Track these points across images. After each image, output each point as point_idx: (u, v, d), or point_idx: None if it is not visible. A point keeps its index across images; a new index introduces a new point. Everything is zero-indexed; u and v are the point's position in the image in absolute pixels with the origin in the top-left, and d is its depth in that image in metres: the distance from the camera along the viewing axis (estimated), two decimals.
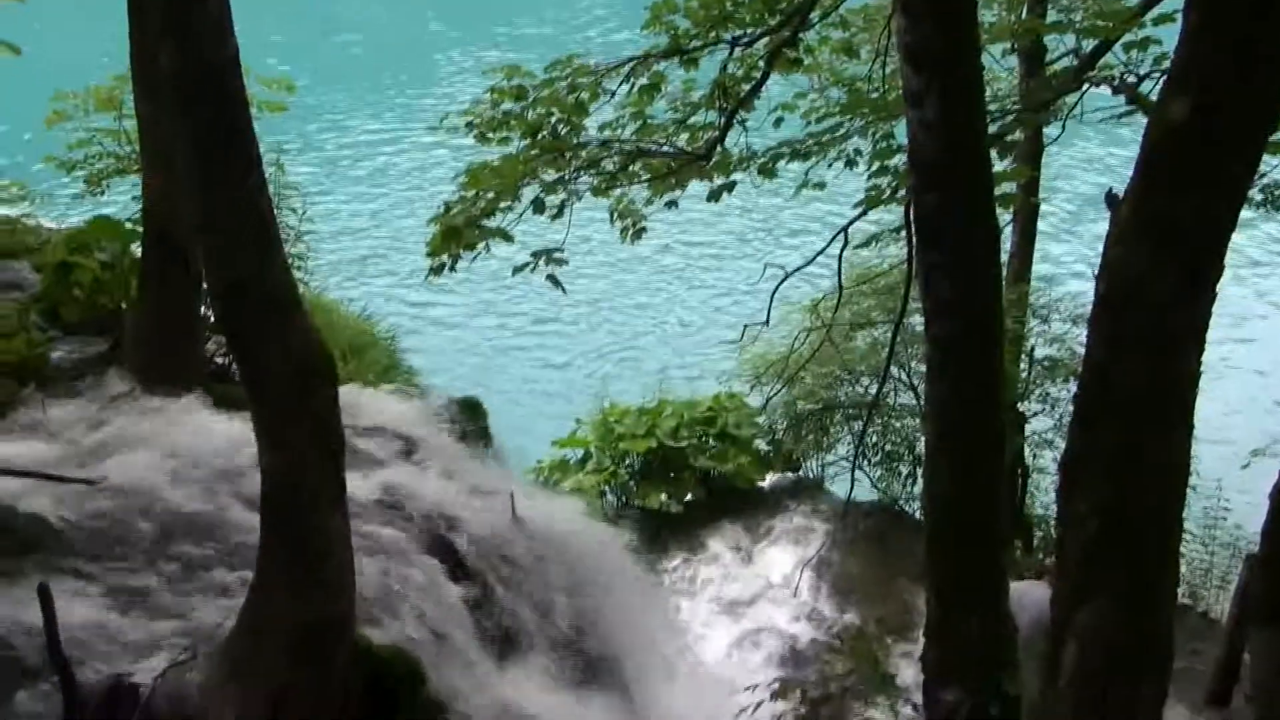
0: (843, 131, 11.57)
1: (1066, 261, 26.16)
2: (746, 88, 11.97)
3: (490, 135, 11.96)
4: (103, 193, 17.79)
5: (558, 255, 10.59)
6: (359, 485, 9.23)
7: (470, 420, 13.03)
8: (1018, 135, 12.76)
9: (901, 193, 11.16)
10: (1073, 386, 14.67)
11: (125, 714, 7.74)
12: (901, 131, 9.14)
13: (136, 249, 12.88)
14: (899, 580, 16.01)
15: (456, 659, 9.46)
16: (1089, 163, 32.52)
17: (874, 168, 11.39)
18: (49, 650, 7.84)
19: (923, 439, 17.40)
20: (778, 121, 12.29)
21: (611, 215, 12.05)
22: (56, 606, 7.78)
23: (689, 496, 17.78)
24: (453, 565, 10.33)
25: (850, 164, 11.92)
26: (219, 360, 12.59)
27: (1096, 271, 6.08)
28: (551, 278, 10.54)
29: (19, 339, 12.08)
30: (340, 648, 7.94)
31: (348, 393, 9.51)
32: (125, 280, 12.74)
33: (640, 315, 27.61)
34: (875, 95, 12.48)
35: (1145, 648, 6.38)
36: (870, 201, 11.51)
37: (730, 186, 11.52)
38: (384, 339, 17.28)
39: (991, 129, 9.93)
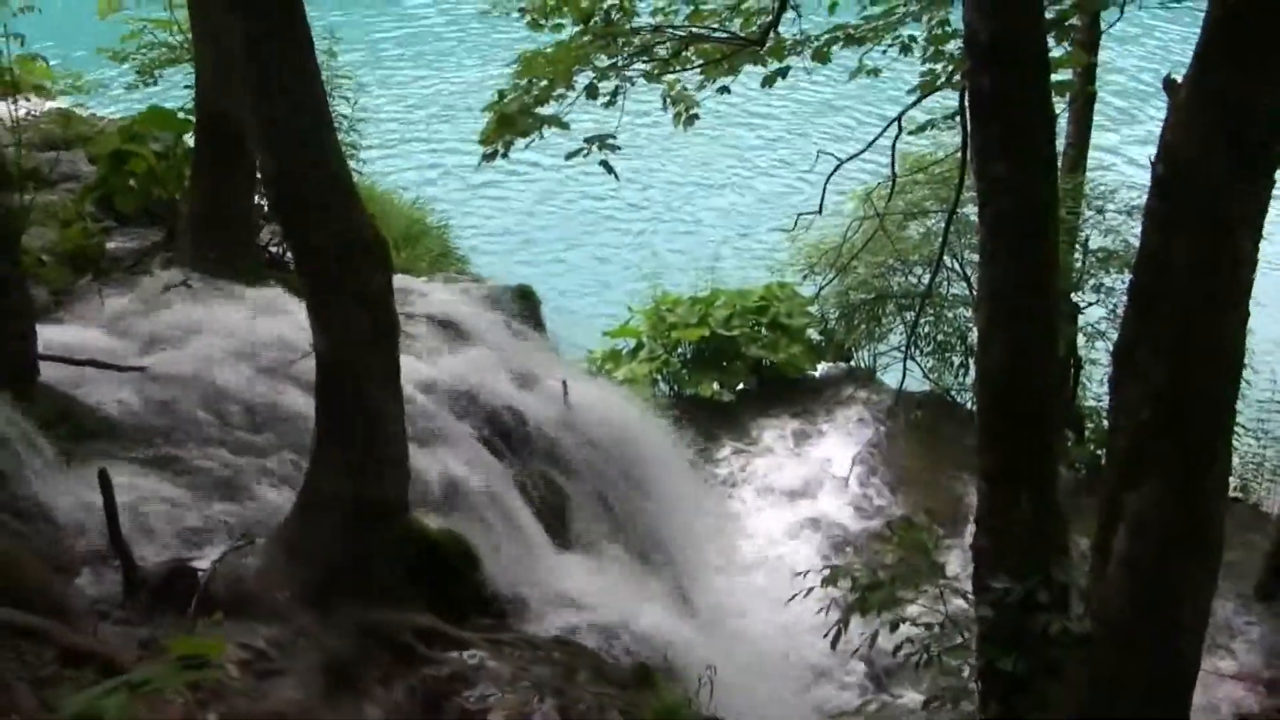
0: (898, 16, 11.45)
1: (1124, 151, 25.77)
2: None
3: (543, 21, 11.91)
4: (155, 83, 17.81)
5: (610, 141, 10.56)
6: (412, 371, 9.28)
7: (523, 308, 13.07)
8: (1075, 20, 12.57)
9: (956, 79, 11.06)
10: (1127, 277, 14.54)
11: (183, 596, 7.85)
12: (956, 17, 9.04)
13: (189, 138, 12.93)
14: (949, 471, 16.02)
15: (510, 543, 9.56)
16: (1148, 55, 32.02)
17: (929, 53, 11.28)
18: (109, 534, 7.96)
19: (975, 329, 17.46)
20: (832, 6, 12.17)
21: (664, 101, 11.98)
22: (116, 491, 7.90)
23: (740, 385, 17.79)
24: (506, 451, 10.42)
25: (905, 49, 11.79)
26: (273, 248, 12.65)
27: (1152, 158, 6.04)
28: (604, 163, 10.52)
29: (75, 228, 12.17)
30: (394, 527, 8.04)
31: (401, 280, 9.54)
32: (179, 170, 12.80)
33: (692, 204, 27.42)
34: None
35: (1195, 531, 6.39)
36: (925, 87, 11.42)
37: (784, 72, 11.44)
38: (437, 228, 17.33)
39: (1049, 14, 9.79)
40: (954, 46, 11.15)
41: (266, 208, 12.39)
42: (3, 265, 9.01)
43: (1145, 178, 6.21)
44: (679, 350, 17.79)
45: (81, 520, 8.43)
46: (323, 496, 7.92)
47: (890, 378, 17.89)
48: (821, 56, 11.57)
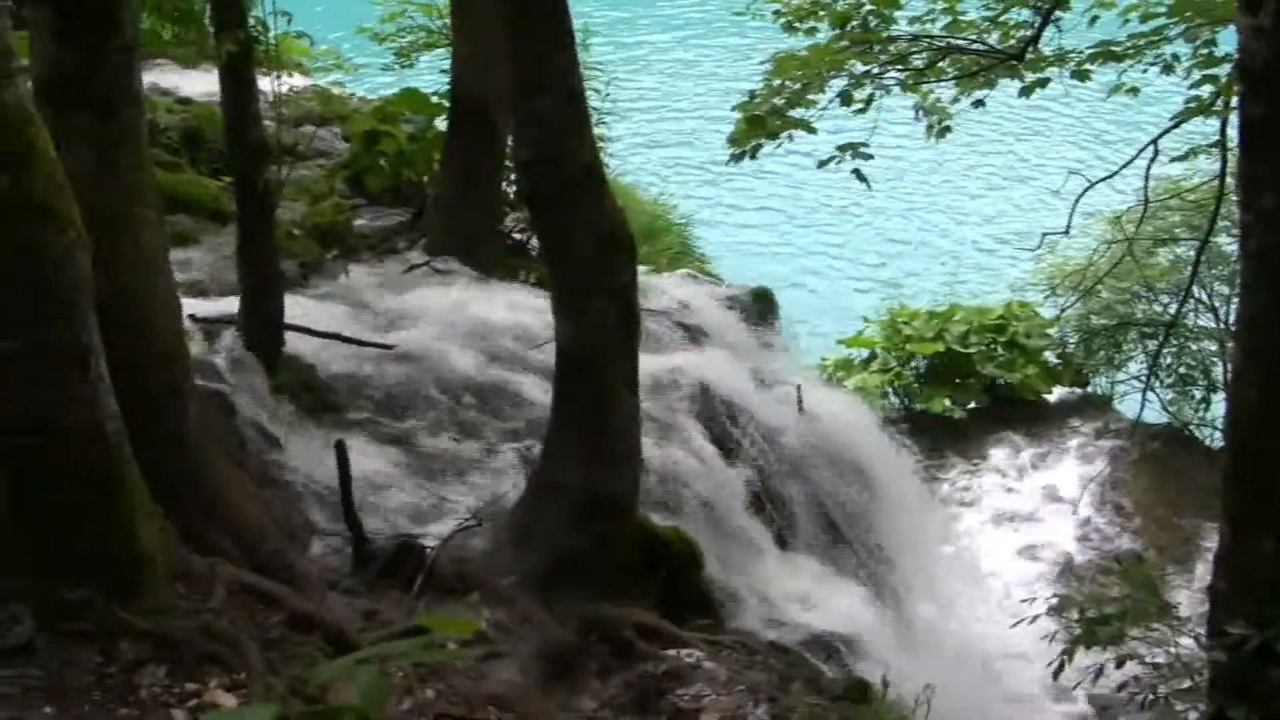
0: (1163, 35, 11.12)
1: None
2: None
3: (797, 24, 11.84)
4: (411, 65, 18.16)
5: (863, 149, 10.46)
6: (649, 366, 9.32)
7: (761, 311, 13.01)
8: None
9: (1218, 105, 10.71)
10: None
11: (411, 572, 7.99)
12: (1225, 39, 8.73)
13: (440, 122, 13.14)
14: (1184, 507, 15.58)
15: (734, 545, 9.54)
16: None
17: (1194, 77, 10.94)
18: (343, 506, 8.13)
19: (1220, 364, 16.94)
20: (1093, 20, 11.87)
21: (916, 112, 11.82)
22: (350, 464, 8.07)
23: (972, 404, 17.52)
24: (737, 452, 10.39)
25: (1168, 69, 11.45)
26: (516, 235, 12.80)
27: None
28: (856, 171, 10.42)
29: (327, 204, 12.47)
30: (623, 522, 8.07)
31: (641, 275, 9.60)
32: (428, 152, 13.02)
33: (935, 216, 27.11)
34: None
35: None
36: (1188, 112, 11.08)
37: (1044, 83, 11.19)
38: (678, 224, 17.36)
39: None
40: (1221, 70, 10.80)
41: (512, 194, 12.56)
42: (261, 236, 9.27)
43: None
44: (912, 363, 17.60)
45: (316, 490, 8.64)
46: (554, 486, 7.99)
47: (1127, 407, 17.45)
48: (1081, 74, 11.30)
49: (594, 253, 7.57)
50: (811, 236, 26.11)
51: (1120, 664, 8.01)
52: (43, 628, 5.98)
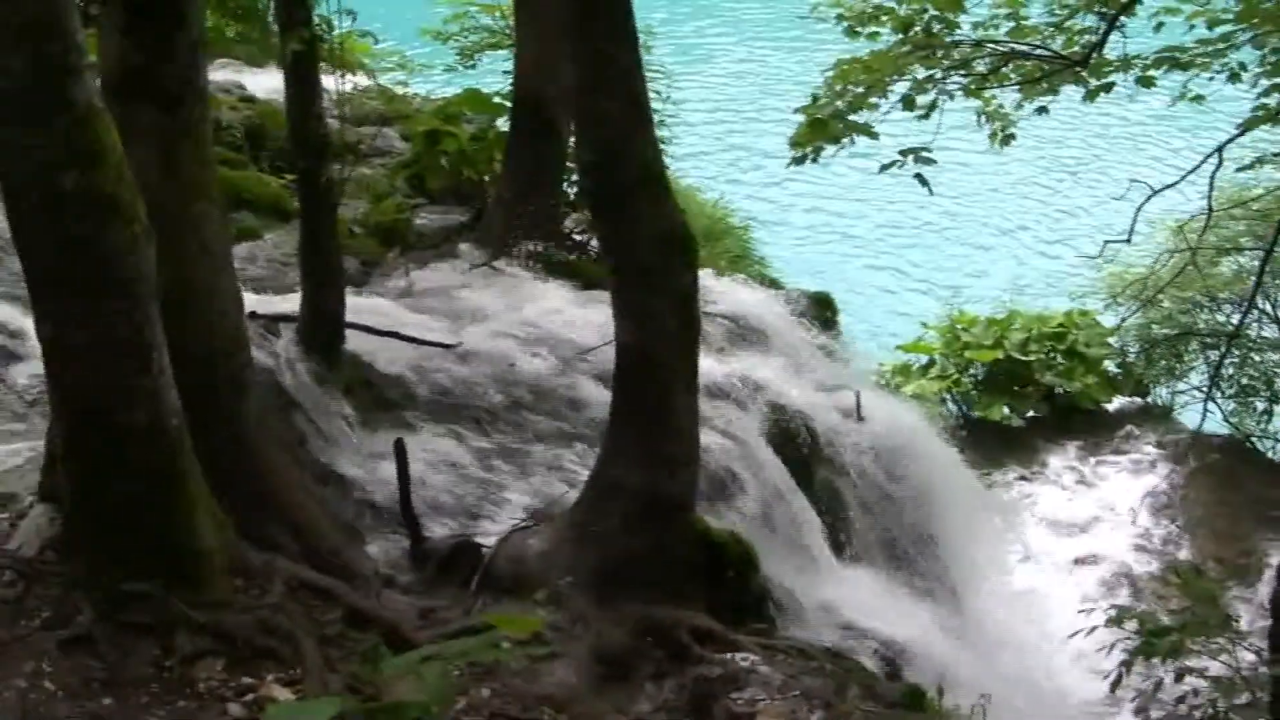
0: (1230, 42, 11.01)
1: None
2: None
3: (860, 29, 11.79)
4: (474, 66, 18.21)
5: (925, 154, 10.40)
6: (708, 369, 9.31)
7: (820, 315, 12.97)
8: None
9: None
10: None
11: (467, 571, 8.00)
12: None
13: (502, 123, 13.17)
14: (1244, 520, 15.45)
15: (791, 549, 9.50)
16: None
17: (1262, 85, 10.83)
18: (400, 503, 8.16)
19: None
20: (1158, 26, 11.76)
21: (979, 118, 11.76)
22: (409, 462, 8.10)
23: (1031, 412, 17.43)
24: (794, 457, 10.36)
25: (1234, 77, 11.33)
26: (577, 236, 12.80)
27: None
28: (919, 176, 10.35)
29: (388, 202, 12.53)
30: (680, 524, 8.05)
31: (701, 278, 9.58)
32: (489, 152, 13.05)
33: (994, 222, 26.96)
34: (1269, 3, 11.81)
35: None
36: (1254, 120, 10.96)
37: (1108, 87, 11.08)
38: (738, 228, 17.34)
39: None
40: None
41: (573, 195, 12.57)
42: (323, 234, 9.30)
43: None
44: (971, 370, 17.51)
45: (373, 487, 8.68)
46: (612, 486, 7.97)
47: (1187, 418, 17.32)
48: (1146, 81, 11.20)
49: (655, 254, 7.56)
50: (871, 241, 26.02)
51: (1179, 677, 7.93)
52: (102, 619, 6.04)
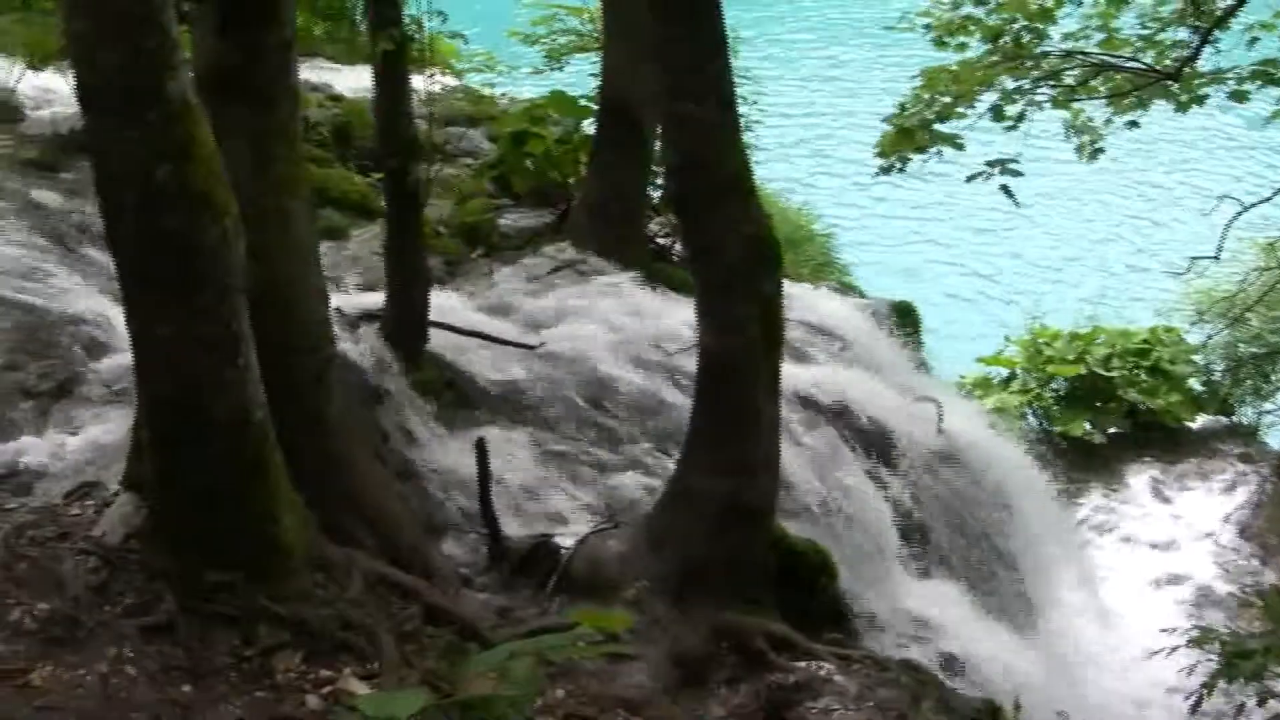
0: None
1: None
2: (1225, 3, 11.33)
3: (948, 39, 11.73)
4: (560, 68, 18.26)
5: (1012, 166, 10.33)
6: (789, 376, 9.27)
7: (902, 325, 12.91)
8: None
9: None
10: None
11: (545, 572, 8.02)
12: None
13: (587, 125, 13.20)
14: None
15: (869, 560, 9.46)
16: None
17: None
18: (480, 502, 8.19)
19: None
20: (1252, 41, 11.63)
21: (1067, 130, 11.68)
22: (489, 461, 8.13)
23: (1113, 428, 17.22)
24: (874, 467, 10.30)
25: None
26: (660, 240, 12.80)
27: None
28: (1005, 188, 10.29)
29: (474, 203, 12.59)
30: (759, 531, 8.04)
31: (784, 285, 9.57)
32: (575, 155, 13.08)
33: (1079, 236, 26.70)
34: None
35: None
36: None
37: (1200, 100, 10.98)
38: (821, 235, 17.29)
39: None
40: None
41: (657, 199, 12.57)
42: (409, 233, 9.37)
43: None
44: (1052, 385, 17.34)
45: (453, 485, 8.71)
46: (691, 492, 7.97)
47: (1275, 438, 17.09)
48: (1239, 96, 11.08)
49: (740, 259, 7.55)
50: (954, 251, 25.84)
51: (1262, 701, 7.84)
52: (183, 607, 6.10)
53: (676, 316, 10.43)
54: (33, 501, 7.23)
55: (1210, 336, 16.78)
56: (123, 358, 8.26)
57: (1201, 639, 8.22)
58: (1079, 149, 11.59)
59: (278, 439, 6.37)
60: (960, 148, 10.69)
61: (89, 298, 9.60)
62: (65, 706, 5.47)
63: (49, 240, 10.37)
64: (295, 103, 7.19)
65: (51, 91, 12.50)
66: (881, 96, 16.51)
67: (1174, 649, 8.38)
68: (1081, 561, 13.36)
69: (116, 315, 8.12)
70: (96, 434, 8.23)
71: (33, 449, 8.03)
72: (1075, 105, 11.53)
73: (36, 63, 12.66)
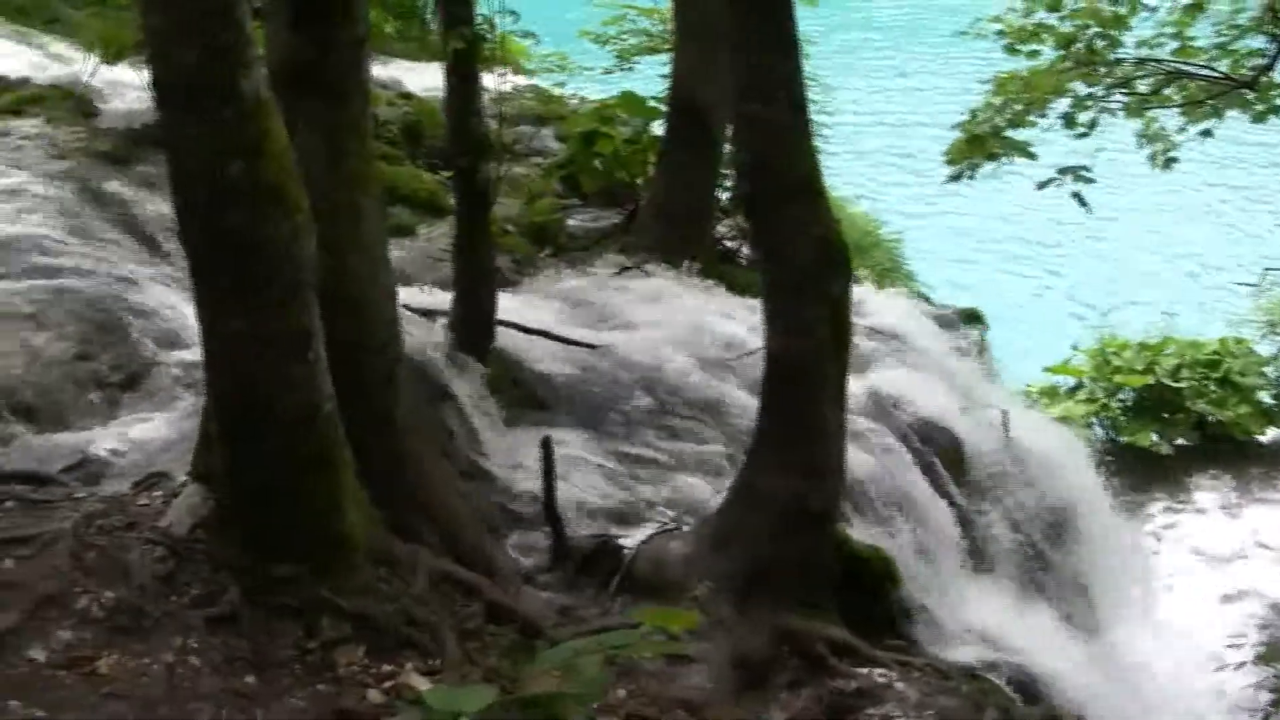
0: None
1: None
2: None
3: (1020, 46, 11.67)
4: (631, 69, 18.27)
5: (1084, 174, 10.27)
6: (856, 381, 9.24)
7: (969, 331, 12.83)
8: None
9: None
10: None
11: (608, 572, 8.03)
12: None
13: (657, 127, 13.20)
14: None
15: (933, 567, 9.40)
16: None
17: None
18: (544, 501, 8.20)
19: None
20: None
21: (1139, 139, 11.59)
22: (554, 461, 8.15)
23: (1180, 440, 17.03)
24: (939, 474, 10.25)
25: None
26: (728, 243, 12.78)
27: None
28: (1076, 195, 10.25)
29: (542, 202, 12.62)
30: (823, 535, 8.01)
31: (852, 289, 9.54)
32: (644, 155, 13.08)
33: (1150, 245, 26.44)
34: None
35: None
36: None
37: (1278, 109, 10.87)
38: (888, 240, 17.21)
39: None
40: None
41: (725, 201, 12.56)
42: (478, 232, 9.40)
43: None
44: (1120, 395, 17.19)
45: (517, 484, 8.73)
46: (756, 495, 7.95)
47: None
48: None
49: (809, 262, 7.53)
50: (1023, 258, 25.66)
51: None
52: (248, 599, 6.14)
53: (743, 319, 10.40)
54: (102, 491, 7.29)
55: None
56: (192, 351, 8.33)
57: (1269, 655, 8.15)
58: (1152, 158, 11.51)
59: (345, 434, 6.39)
60: (1033, 157, 10.64)
61: (160, 290, 9.68)
62: (131, 695, 5.51)
63: (121, 233, 10.48)
64: (367, 99, 7.22)
65: (124, 84, 12.60)
66: (949, 103, 16.40)
67: (1241, 664, 8.32)
68: (1147, 573, 13.24)
69: (187, 308, 8.18)
70: (165, 425, 8.30)
71: (102, 439, 8.12)
72: (1148, 114, 11.43)
73: (110, 57, 12.76)
